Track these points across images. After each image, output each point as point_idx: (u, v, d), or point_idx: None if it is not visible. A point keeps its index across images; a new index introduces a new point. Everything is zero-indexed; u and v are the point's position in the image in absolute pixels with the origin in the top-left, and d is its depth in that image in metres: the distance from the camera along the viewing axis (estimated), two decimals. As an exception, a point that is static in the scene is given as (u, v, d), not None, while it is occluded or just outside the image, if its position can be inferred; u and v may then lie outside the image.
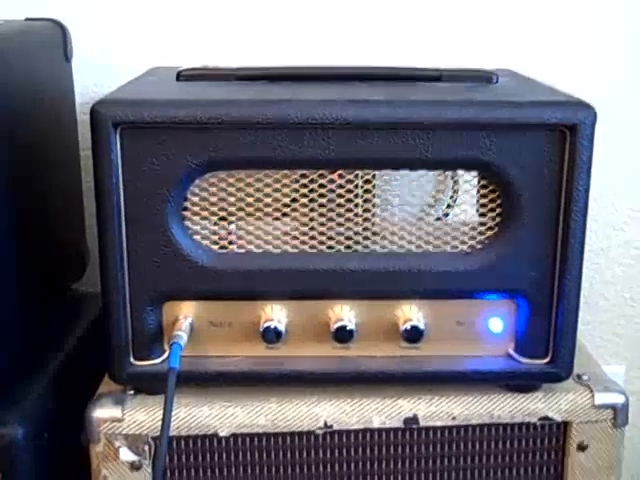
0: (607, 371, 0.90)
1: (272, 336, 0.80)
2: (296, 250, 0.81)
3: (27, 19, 1.02)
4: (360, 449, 0.85)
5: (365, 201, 0.80)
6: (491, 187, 0.79)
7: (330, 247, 0.81)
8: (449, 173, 0.82)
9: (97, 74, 1.14)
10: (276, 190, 0.80)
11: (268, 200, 0.80)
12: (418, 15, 1.13)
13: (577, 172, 0.75)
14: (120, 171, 0.76)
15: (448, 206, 0.91)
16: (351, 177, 0.79)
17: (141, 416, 0.82)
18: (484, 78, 0.87)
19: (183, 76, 0.87)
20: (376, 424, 0.83)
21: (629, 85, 1.16)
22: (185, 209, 0.79)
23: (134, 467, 0.82)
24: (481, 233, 0.81)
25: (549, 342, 0.81)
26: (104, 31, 1.12)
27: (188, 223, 0.80)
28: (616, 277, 1.24)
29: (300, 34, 1.13)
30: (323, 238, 0.80)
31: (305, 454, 0.85)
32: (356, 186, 0.80)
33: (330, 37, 1.13)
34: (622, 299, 1.25)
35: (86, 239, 1.11)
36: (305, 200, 0.80)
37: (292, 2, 1.12)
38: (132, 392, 0.84)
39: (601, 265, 1.23)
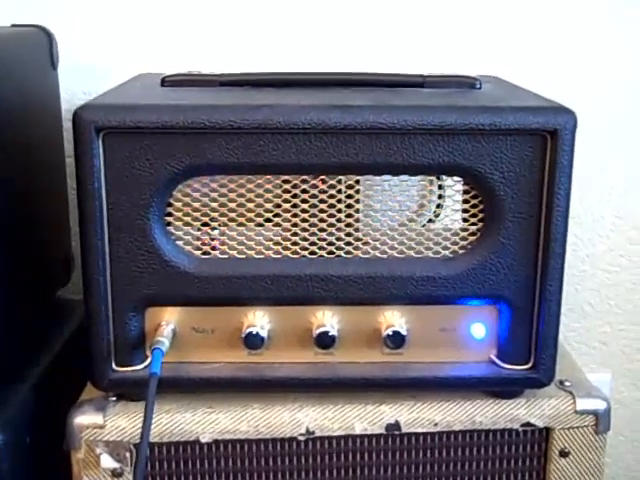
0: (593, 379, 0.90)
1: (254, 342, 0.80)
2: (279, 256, 0.81)
3: (13, 25, 1.02)
4: (342, 455, 0.84)
5: (348, 206, 0.80)
6: (473, 192, 0.79)
7: (313, 253, 0.81)
8: (433, 179, 0.82)
9: (83, 81, 1.14)
10: (259, 196, 0.80)
11: (251, 205, 0.80)
12: (402, 22, 1.13)
13: (558, 177, 0.76)
14: (103, 176, 0.76)
15: (434, 212, 0.91)
16: (334, 182, 0.80)
17: (123, 422, 0.81)
18: (467, 84, 0.87)
19: (167, 82, 0.87)
20: (358, 430, 0.83)
21: (613, 91, 1.17)
22: (168, 214, 0.79)
23: (115, 474, 0.82)
24: (463, 238, 0.81)
25: (531, 348, 0.81)
26: (91, 38, 1.12)
27: (171, 228, 0.80)
28: (601, 284, 1.24)
29: (284, 41, 1.13)
30: (306, 244, 0.80)
31: (287, 460, 0.84)
32: (339, 191, 0.80)
33: (314, 43, 1.13)
34: (607, 306, 1.25)
35: (71, 246, 1.11)
36: (288, 206, 0.80)
37: (276, 9, 1.13)
38: (114, 398, 0.84)
39: (586, 272, 1.23)
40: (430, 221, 0.90)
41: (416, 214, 0.83)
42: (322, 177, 0.79)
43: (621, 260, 1.23)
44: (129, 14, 1.12)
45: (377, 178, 0.80)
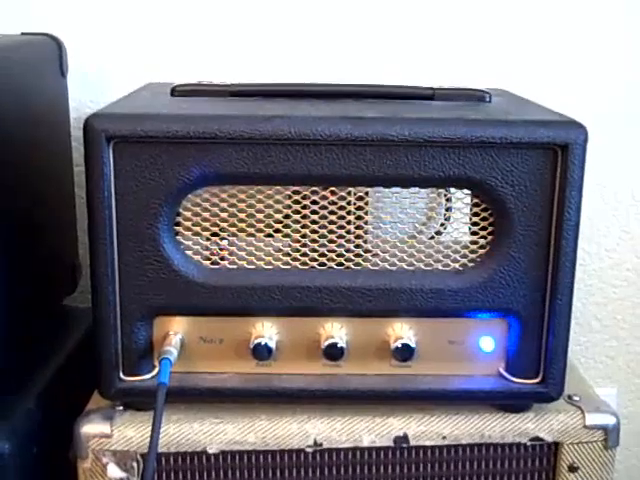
0: (599, 393, 0.90)
1: (263, 353, 0.80)
2: (288, 266, 0.81)
3: (23, 34, 1.02)
4: (350, 468, 0.84)
5: (357, 218, 0.80)
6: (483, 205, 0.79)
7: (322, 264, 0.80)
8: (442, 191, 0.82)
9: (92, 90, 1.14)
10: (268, 206, 0.80)
11: (260, 216, 0.80)
12: (412, 34, 1.14)
13: (569, 191, 0.76)
14: (112, 185, 0.76)
15: (441, 224, 0.91)
16: (344, 194, 0.80)
17: (130, 432, 0.81)
18: (477, 97, 0.87)
19: (177, 91, 0.87)
20: (366, 443, 0.83)
21: (622, 105, 1.17)
22: (177, 224, 0.79)
23: (122, 484, 0.82)
24: (473, 251, 0.80)
25: (540, 362, 0.81)
26: (100, 47, 1.12)
27: (180, 238, 0.80)
28: (608, 298, 1.24)
29: (294, 52, 1.13)
30: (315, 255, 0.80)
31: (295, 472, 0.84)
32: (349, 203, 0.80)
33: (324, 55, 1.13)
34: (614, 320, 1.25)
35: (78, 254, 1.11)
36: (297, 217, 0.80)
37: (287, 20, 1.13)
38: (121, 408, 0.84)
39: (593, 286, 1.23)
40: (438, 233, 0.90)
41: (425, 226, 0.83)
42: (332, 188, 0.79)
43: (628, 274, 1.23)
44: (138, 23, 1.12)
45: (386, 190, 0.80)
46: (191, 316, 0.81)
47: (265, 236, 0.80)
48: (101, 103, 1.10)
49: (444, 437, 0.83)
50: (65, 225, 1.07)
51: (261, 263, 0.81)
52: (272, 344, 0.80)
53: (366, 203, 0.81)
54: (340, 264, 0.81)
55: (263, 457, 0.83)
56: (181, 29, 1.13)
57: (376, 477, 0.84)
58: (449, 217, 0.86)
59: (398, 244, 0.81)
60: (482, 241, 0.80)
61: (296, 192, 0.79)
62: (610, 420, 0.84)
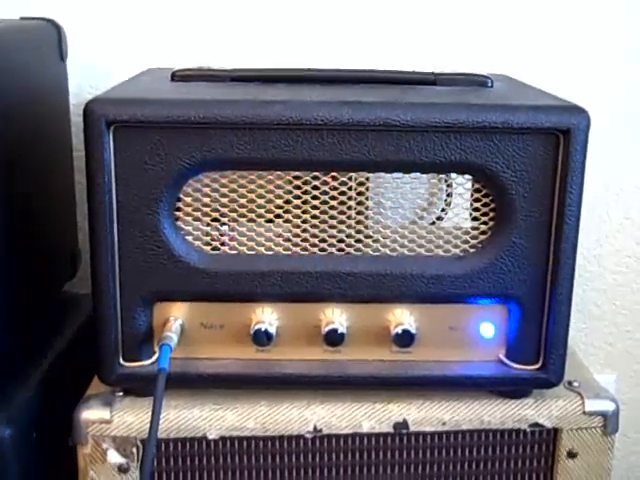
0: (598, 380, 0.90)
1: (263, 339, 0.80)
2: (288, 252, 0.80)
3: (22, 18, 1.01)
4: (350, 454, 0.84)
5: (358, 203, 0.80)
6: (484, 191, 0.79)
7: (322, 249, 0.80)
8: (443, 176, 0.82)
9: (92, 75, 1.13)
10: (269, 191, 0.79)
11: (261, 201, 0.80)
12: (414, 19, 1.13)
13: (570, 176, 0.75)
14: (113, 170, 0.76)
15: (442, 210, 0.91)
16: (345, 179, 0.79)
17: (130, 418, 0.81)
18: (478, 82, 0.87)
19: (178, 76, 0.87)
20: (366, 429, 0.83)
21: (624, 91, 1.16)
22: (178, 209, 0.79)
23: (122, 470, 0.82)
24: (474, 237, 0.80)
25: (540, 348, 0.81)
26: (100, 32, 1.12)
27: (180, 224, 0.79)
28: (608, 285, 1.24)
29: (295, 37, 1.13)
30: (316, 240, 0.80)
31: (294, 458, 0.84)
32: (350, 188, 0.80)
33: (325, 40, 1.13)
34: (614, 307, 1.25)
35: (78, 240, 1.11)
36: (298, 202, 0.80)
37: (288, 5, 1.12)
38: (121, 394, 0.84)
39: (593, 273, 1.23)
40: (439, 219, 0.90)
41: (426, 212, 0.83)
42: (332, 174, 0.79)
43: (628, 261, 1.23)
44: (139, 8, 1.12)
45: (387, 175, 0.80)
46: (191, 302, 0.81)
47: (266, 221, 0.80)
48: (101, 89, 1.10)
49: (444, 423, 0.83)
50: (65, 211, 1.07)
51: (262, 249, 0.80)
52: (272, 330, 0.80)
53: (367, 188, 0.81)
54: (341, 250, 0.80)
55: (263, 443, 0.83)
56: (181, 14, 1.12)
57: (376, 463, 0.84)
58: (450, 203, 0.86)
59: (399, 230, 0.81)
60: (483, 227, 0.80)
61: (297, 177, 0.79)
62: (609, 406, 0.84)
